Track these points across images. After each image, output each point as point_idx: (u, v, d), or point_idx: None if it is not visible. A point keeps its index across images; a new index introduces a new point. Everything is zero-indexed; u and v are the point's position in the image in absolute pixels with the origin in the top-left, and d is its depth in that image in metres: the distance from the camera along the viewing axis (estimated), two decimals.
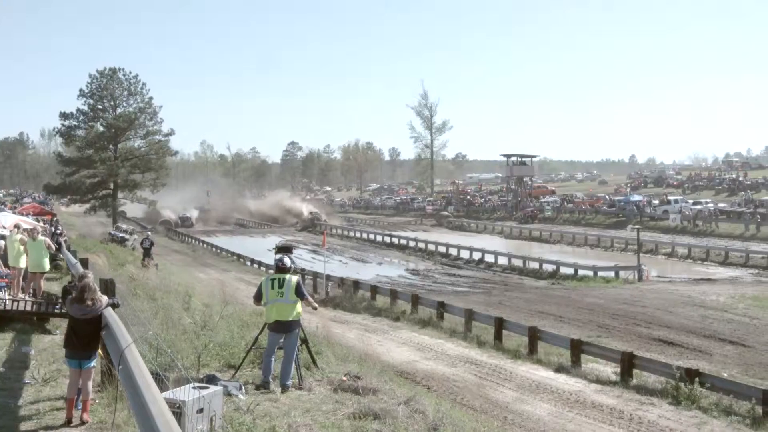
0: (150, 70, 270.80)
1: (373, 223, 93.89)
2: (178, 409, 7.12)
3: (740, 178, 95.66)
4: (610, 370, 18.93)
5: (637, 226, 51.08)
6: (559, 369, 19.23)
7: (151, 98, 69.10)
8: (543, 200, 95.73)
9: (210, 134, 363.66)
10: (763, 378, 18.43)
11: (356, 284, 33.72)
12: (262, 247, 60.64)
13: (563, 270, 43.79)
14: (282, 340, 11.20)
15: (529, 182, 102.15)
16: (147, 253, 38.64)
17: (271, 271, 11.83)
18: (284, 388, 10.80)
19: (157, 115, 69.15)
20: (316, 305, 12.12)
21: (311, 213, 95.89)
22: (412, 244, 61.39)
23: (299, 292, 11.27)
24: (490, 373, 18.97)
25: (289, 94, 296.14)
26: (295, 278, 11.38)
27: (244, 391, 10.36)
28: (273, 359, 11.08)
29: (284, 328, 11.12)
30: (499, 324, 22.88)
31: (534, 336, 21.25)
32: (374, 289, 32.21)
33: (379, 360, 18.64)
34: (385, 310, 29.24)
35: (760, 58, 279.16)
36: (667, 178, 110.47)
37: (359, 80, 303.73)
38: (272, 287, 11.23)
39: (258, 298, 11.46)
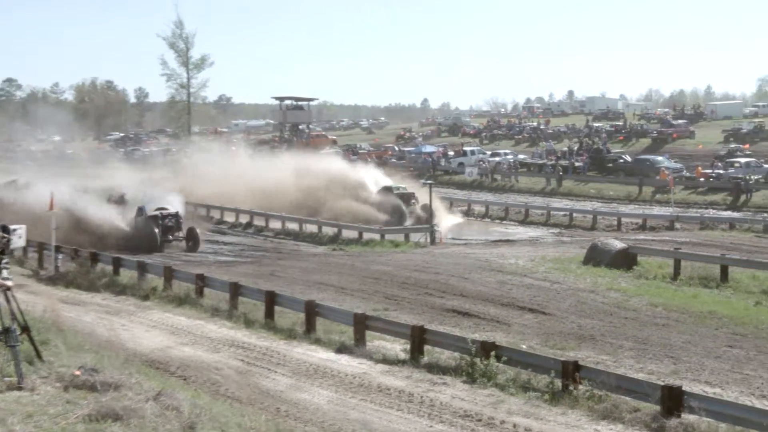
0: None
1: None
2: None
3: (542, 127, 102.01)
4: (398, 347, 19.64)
5: (429, 181, 52.99)
6: (341, 349, 19.69)
7: None
8: (323, 151, 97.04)
9: None
10: (563, 348, 19.94)
11: (94, 256, 32.61)
12: None
13: (346, 233, 44.75)
14: None
15: (306, 130, 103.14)
16: None
17: None
18: None
19: None
20: (9, 284, 11.59)
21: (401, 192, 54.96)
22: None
23: None
24: (260, 357, 19.12)
25: (4, 19, 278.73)
26: None
27: None
28: None
29: None
30: (271, 299, 23.02)
31: (312, 312, 21.57)
32: (117, 262, 31.30)
33: (123, 348, 18.28)
34: (131, 287, 28.56)
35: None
36: (463, 125, 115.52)
37: (95, 3, 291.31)
38: None
39: None
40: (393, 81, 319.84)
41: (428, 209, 48.75)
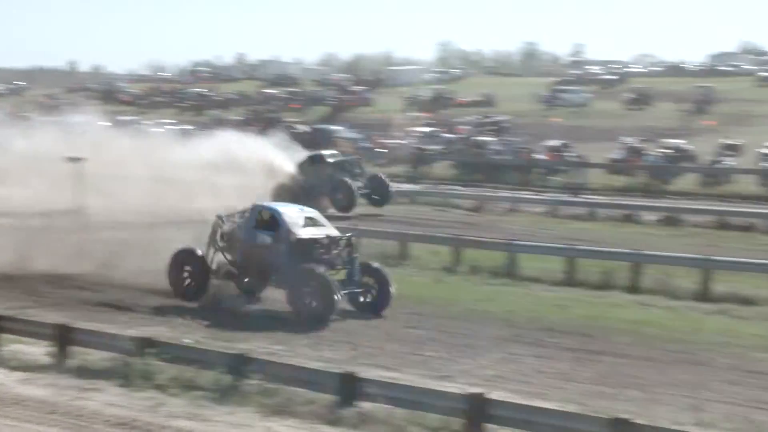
0: None
1: None
2: None
3: (209, 93, 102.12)
4: (41, 351, 19.05)
5: (78, 157, 51.01)
6: None
7: None
8: None
9: None
10: (232, 340, 20.03)
11: None
12: None
13: None
14: None
15: None
16: None
17: None
18: None
19: None
20: None
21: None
22: None
23: None
24: None
25: None
26: None
27: None
28: None
29: None
30: None
31: None
32: None
33: None
34: None
35: None
36: (118, 91, 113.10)
37: None
38: None
39: None
40: (35, 38, 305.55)
41: (380, 180, 42.03)
